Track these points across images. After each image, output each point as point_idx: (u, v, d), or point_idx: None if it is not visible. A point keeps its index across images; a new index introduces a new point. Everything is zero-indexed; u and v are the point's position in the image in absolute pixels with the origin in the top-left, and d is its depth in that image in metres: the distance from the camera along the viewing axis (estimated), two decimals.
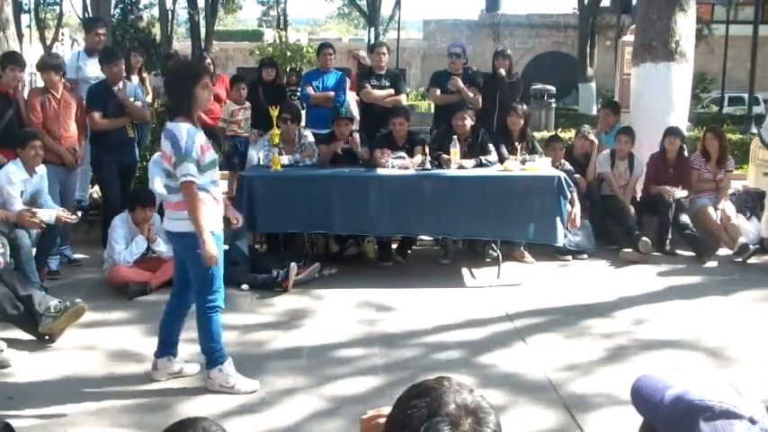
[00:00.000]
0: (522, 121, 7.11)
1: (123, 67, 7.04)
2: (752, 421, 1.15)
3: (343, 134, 6.78)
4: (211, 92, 4.20)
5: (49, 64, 6.61)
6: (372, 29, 29.21)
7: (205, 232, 3.84)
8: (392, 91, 7.45)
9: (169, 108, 8.09)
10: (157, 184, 6.85)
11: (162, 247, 6.02)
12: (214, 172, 4.01)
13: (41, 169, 6.03)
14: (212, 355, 4.06)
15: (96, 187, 7.54)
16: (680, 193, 7.24)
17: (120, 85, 6.74)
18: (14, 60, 6.50)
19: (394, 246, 6.86)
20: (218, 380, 4.05)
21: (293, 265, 5.94)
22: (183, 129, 3.85)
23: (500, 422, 1.22)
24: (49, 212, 5.91)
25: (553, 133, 10.53)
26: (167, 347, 4.23)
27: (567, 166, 7.27)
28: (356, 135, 6.92)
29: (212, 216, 3.96)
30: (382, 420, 1.49)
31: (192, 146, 3.84)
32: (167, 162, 3.92)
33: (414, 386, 1.27)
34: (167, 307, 4.28)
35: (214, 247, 3.87)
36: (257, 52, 24.54)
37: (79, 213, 7.47)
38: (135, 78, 7.94)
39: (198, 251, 3.86)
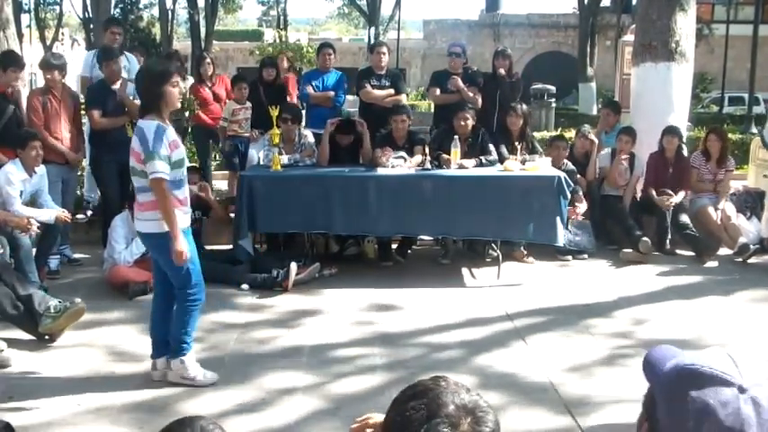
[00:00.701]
0: (521, 121, 7.12)
1: (122, 65, 7.04)
2: (741, 389, 1.17)
3: (344, 142, 6.77)
4: (182, 90, 4.21)
5: (54, 64, 6.61)
6: (372, 29, 29.21)
7: (176, 228, 3.90)
8: (392, 91, 7.45)
9: None
10: None
11: None
12: (180, 172, 4.01)
13: (41, 169, 6.03)
14: (180, 345, 4.09)
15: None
16: (676, 198, 7.22)
17: (120, 83, 6.75)
18: (14, 62, 6.50)
19: (394, 246, 6.86)
20: (179, 371, 4.09)
21: (293, 264, 5.94)
22: (151, 126, 3.88)
23: (498, 420, 1.22)
24: (49, 213, 5.91)
25: (557, 133, 10.51)
26: (163, 348, 4.22)
27: (570, 166, 7.27)
28: (366, 131, 6.85)
29: (177, 215, 3.98)
30: (370, 431, 1.50)
31: (160, 143, 3.86)
32: (135, 160, 3.95)
33: (410, 387, 1.26)
34: (153, 307, 4.30)
35: (184, 244, 3.93)
36: (257, 52, 24.51)
37: (88, 213, 7.50)
38: None
39: (167, 250, 3.92)
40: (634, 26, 9.27)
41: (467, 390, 1.24)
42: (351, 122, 6.95)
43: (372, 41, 23.77)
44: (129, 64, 7.67)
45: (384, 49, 7.74)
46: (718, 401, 1.15)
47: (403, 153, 6.54)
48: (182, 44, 29.57)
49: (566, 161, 7.31)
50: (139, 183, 4.00)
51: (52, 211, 5.94)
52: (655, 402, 1.25)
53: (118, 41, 7.60)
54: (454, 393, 1.22)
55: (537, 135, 9.01)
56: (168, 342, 4.23)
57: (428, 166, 6.37)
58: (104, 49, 7.09)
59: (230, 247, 6.44)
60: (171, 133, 3.99)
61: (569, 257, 6.92)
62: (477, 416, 1.19)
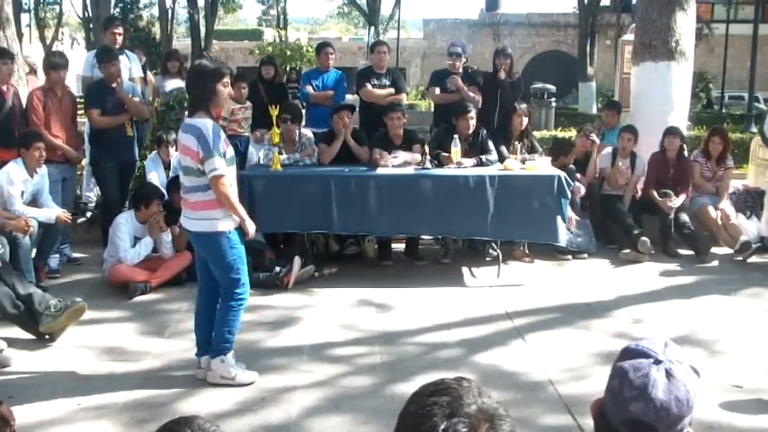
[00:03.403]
0: (526, 120, 7.14)
1: (123, 65, 7.04)
2: (657, 362, 1.44)
3: (345, 125, 6.73)
4: (231, 92, 4.21)
5: (59, 63, 6.61)
6: (372, 28, 29.17)
7: (243, 213, 4.07)
8: (392, 90, 7.45)
9: (171, 107, 8.11)
10: (152, 180, 6.88)
11: (169, 237, 6.04)
12: (233, 170, 4.08)
13: (42, 169, 6.03)
14: (221, 344, 4.08)
15: (97, 187, 7.54)
16: (677, 201, 7.21)
17: (118, 81, 6.75)
18: (4, 54, 6.47)
19: (397, 245, 6.84)
20: (219, 371, 4.07)
21: (297, 259, 5.95)
22: (207, 124, 3.91)
23: (515, 430, 1.22)
24: (48, 213, 5.91)
25: (563, 136, 10.46)
26: (206, 346, 4.19)
27: (570, 165, 7.28)
28: (350, 139, 6.84)
29: (228, 216, 4.03)
30: None
31: (219, 141, 3.92)
32: (192, 159, 3.93)
33: (433, 383, 1.27)
34: (197, 307, 4.29)
35: (252, 224, 4.12)
36: (257, 51, 24.49)
37: (88, 214, 7.50)
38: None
39: (217, 249, 3.99)
40: (634, 25, 9.27)
41: (489, 396, 1.25)
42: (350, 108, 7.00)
43: (372, 41, 23.76)
44: (131, 63, 7.67)
45: (384, 49, 7.74)
46: (632, 366, 1.45)
47: (401, 152, 6.52)
48: (181, 43, 29.56)
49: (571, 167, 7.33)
50: (192, 182, 4.00)
51: (52, 211, 5.94)
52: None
53: (119, 42, 7.58)
54: (477, 396, 1.23)
55: (537, 134, 9.01)
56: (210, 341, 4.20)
57: (428, 165, 6.37)
58: (103, 50, 7.08)
59: None
60: (223, 133, 4.06)
61: (569, 257, 6.92)
62: (495, 423, 1.20)
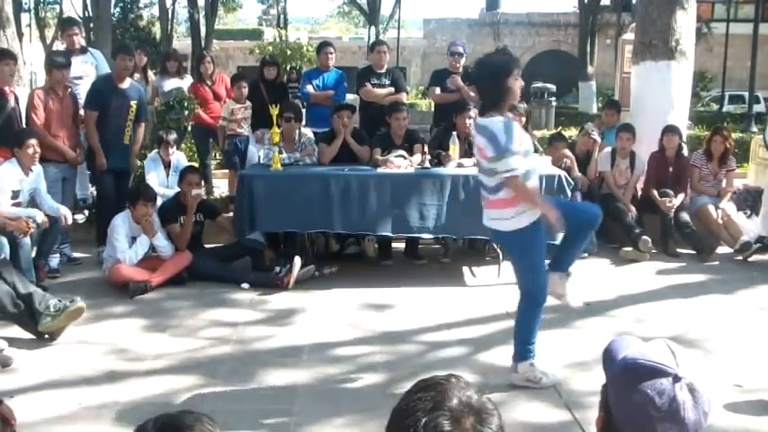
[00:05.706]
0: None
1: (133, 63, 7.02)
2: (676, 378, 1.33)
3: (345, 125, 6.73)
4: (521, 83, 4.13)
5: (61, 62, 6.58)
6: (372, 27, 29.16)
7: (541, 205, 3.92)
8: (392, 89, 7.45)
9: (171, 107, 8.10)
10: (152, 180, 6.87)
11: (162, 242, 6.02)
12: (529, 162, 4.01)
13: (37, 168, 6.00)
14: (524, 346, 4.08)
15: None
16: (677, 201, 7.21)
17: (126, 83, 6.72)
18: (6, 54, 6.46)
19: (399, 245, 6.83)
20: (526, 374, 4.08)
21: (297, 259, 5.95)
22: (498, 124, 3.87)
23: (503, 425, 1.22)
24: (32, 212, 5.84)
25: (556, 131, 10.47)
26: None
27: (568, 163, 7.27)
28: (350, 139, 6.84)
29: (524, 211, 3.96)
30: None
31: (512, 140, 3.83)
32: (482, 156, 3.96)
33: (423, 380, 1.28)
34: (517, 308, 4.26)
35: (553, 211, 3.86)
36: (257, 51, 24.48)
37: (86, 212, 7.48)
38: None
39: (518, 248, 4.01)
40: (634, 25, 9.26)
41: (476, 390, 1.25)
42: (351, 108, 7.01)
43: (372, 40, 23.74)
44: (96, 61, 7.57)
45: (384, 48, 7.75)
46: (655, 391, 1.32)
47: (402, 152, 6.52)
48: (182, 43, 29.53)
49: (566, 160, 7.31)
50: (491, 182, 3.97)
51: (32, 210, 5.81)
52: (608, 393, 1.45)
53: (76, 43, 7.45)
54: (462, 390, 1.23)
55: (537, 134, 9.01)
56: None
57: (427, 164, 6.37)
58: (122, 45, 7.07)
59: (230, 244, 6.48)
60: (517, 127, 3.97)
61: None
62: (481, 416, 1.21)
